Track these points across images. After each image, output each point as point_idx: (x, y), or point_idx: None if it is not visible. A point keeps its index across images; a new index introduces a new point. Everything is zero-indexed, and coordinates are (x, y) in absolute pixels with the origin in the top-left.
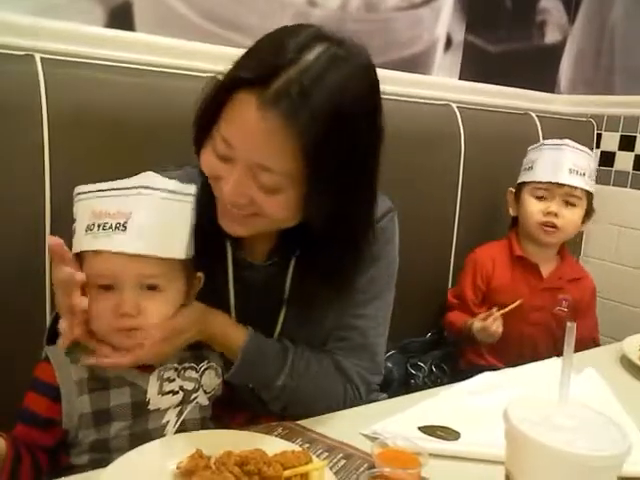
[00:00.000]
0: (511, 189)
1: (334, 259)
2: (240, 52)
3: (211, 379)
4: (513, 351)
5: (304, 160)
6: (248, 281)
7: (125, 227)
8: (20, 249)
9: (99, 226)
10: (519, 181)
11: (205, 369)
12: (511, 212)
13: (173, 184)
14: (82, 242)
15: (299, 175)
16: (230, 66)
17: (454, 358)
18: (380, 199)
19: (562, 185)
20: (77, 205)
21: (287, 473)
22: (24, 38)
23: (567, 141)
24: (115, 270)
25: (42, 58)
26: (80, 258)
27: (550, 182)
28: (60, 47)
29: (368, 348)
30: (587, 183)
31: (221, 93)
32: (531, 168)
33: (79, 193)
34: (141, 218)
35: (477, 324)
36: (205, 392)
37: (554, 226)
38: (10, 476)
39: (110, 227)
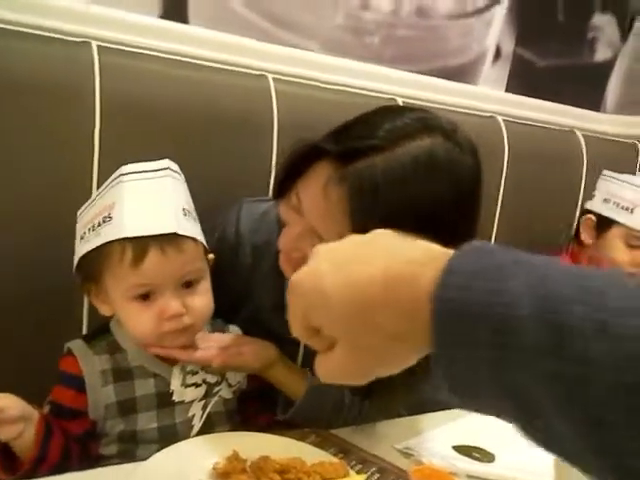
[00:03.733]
0: (592, 217)
1: None
2: (291, 51)
3: (235, 373)
4: None
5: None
6: None
7: (110, 217)
8: (65, 234)
9: (90, 228)
10: (609, 216)
11: None
12: (585, 240)
13: (144, 165)
14: (87, 245)
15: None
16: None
17: None
18: None
19: None
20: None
21: None
22: (81, 25)
23: None
24: (155, 274)
25: (99, 46)
26: (100, 279)
27: None
28: (116, 36)
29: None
30: None
31: (303, 160)
32: (631, 211)
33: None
34: (122, 203)
35: None
36: (229, 385)
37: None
38: (39, 450)
39: (98, 224)
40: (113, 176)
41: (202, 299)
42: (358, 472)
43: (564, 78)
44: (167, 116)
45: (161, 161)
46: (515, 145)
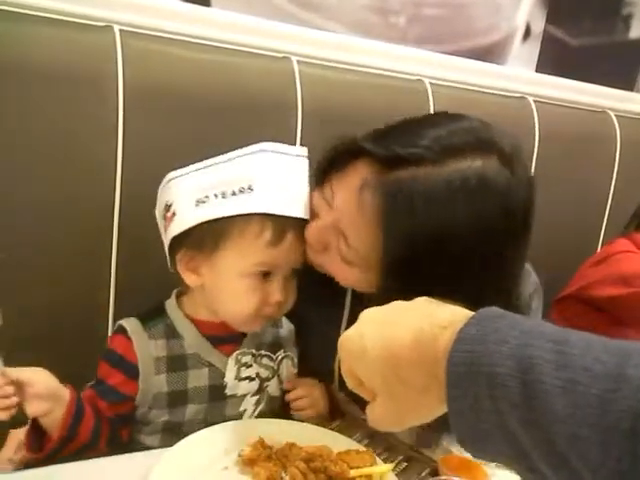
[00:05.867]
0: None
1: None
2: (315, 33)
3: (287, 368)
4: None
5: (383, 258)
6: None
7: (252, 189)
8: (91, 219)
9: (219, 194)
10: None
11: (282, 358)
12: None
13: (285, 147)
14: (212, 210)
15: (375, 266)
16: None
17: None
18: (526, 275)
19: None
20: (171, 186)
21: (352, 473)
22: (103, 9)
23: None
24: (285, 257)
25: (121, 30)
26: (214, 248)
27: None
28: (138, 19)
29: None
30: None
31: (343, 155)
32: None
33: (171, 179)
34: (267, 179)
35: None
36: (280, 382)
37: None
38: (67, 431)
39: (232, 192)
40: (249, 149)
41: (295, 293)
42: (385, 460)
43: (596, 57)
44: (191, 100)
45: (300, 147)
46: (546, 127)
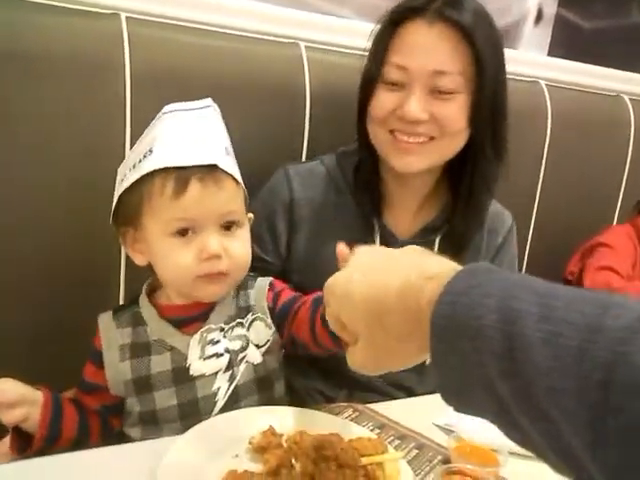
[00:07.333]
0: None
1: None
2: (323, 18)
3: (259, 332)
4: None
5: (475, 59)
6: None
7: (152, 151)
8: (99, 204)
9: (131, 167)
10: None
11: (252, 321)
12: None
13: (186, 103)
14: (126, 183)
15: (471, 76)
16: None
17: None
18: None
19: None
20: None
21: (363, 461)
22: None
23: None
24: (196, 208)
25: (127, 17)
26: (138, 220)
27: None
28: (144, 7)
29: None
30: None
31: (387, 30)
32: None
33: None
34: (167, 136)
35: None
36: (257, 347)
37: None
38: (47, 430)
39: (139, 160)
40: (156, 117)
41: (242, 245)
42: (396, 448)
43: (609, 40)
44: (198, 86)
45: (203, 100)
46: (559, 111)
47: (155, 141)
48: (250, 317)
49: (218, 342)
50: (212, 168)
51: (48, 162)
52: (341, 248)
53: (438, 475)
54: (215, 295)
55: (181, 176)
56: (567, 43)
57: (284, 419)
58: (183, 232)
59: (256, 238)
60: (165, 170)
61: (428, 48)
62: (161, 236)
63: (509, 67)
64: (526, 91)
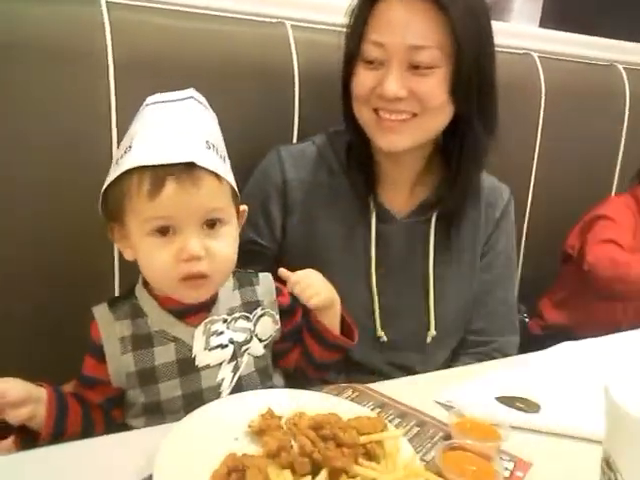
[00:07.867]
0: None
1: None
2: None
3: (265, 327)
4: None
5: (451, 32)
6: (389, 234)
7: (131, 147)
8: (85, 195)
9: (115, 162)
10: None
11: (260, 316)
12: None
13: (168, 94)
14: (108, 179)
15: (450, 50)
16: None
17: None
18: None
19: None
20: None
21: (362, 440)
22: None
23: None
24: (172, 207)
25: (107, 2)
26: (121, 216)
27: None
28: None
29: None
30: None
31: (364, 7)
32: None
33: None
34: (145, 132)
35: None
36: (260, 340)
37: None
38: (53, 428)
39: (120, 156)
40: (140, 108)
41: (224, 244)
42: (397, 426)
43: (601, 8)
44: (183, 69)
45: (186, 90)
46: (552, 82)
47: (135, 136)
48: (259, 312)
49: (222, 333)
50: (190, 166)
51: (33, 155)
52: (282, 271)
53: (439, 451)
54: (197, 299)
55: (156, 175)
56: (558, 13)
57: (283, 401)
58: (163, 231)
59: (251, 223)
60: (142, 168)
61: (403, 23)
62: (142, 235)
63: (500, 40)
64: (518, 63)
